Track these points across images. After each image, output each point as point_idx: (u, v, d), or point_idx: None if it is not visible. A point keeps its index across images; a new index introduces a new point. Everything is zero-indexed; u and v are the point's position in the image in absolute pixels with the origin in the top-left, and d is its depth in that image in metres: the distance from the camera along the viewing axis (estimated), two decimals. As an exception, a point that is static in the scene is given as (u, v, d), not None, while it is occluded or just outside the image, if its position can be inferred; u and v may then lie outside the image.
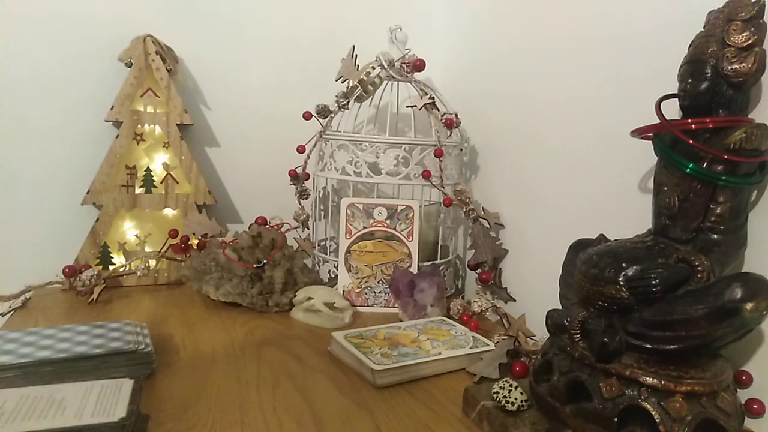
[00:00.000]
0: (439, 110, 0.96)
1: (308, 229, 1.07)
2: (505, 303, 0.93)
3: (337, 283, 0.94)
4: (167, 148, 1.01)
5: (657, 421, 0.46)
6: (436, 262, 0.99)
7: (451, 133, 0.97)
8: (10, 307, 0.85)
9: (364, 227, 0.93)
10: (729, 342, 0.48)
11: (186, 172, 1.02)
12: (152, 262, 0.97)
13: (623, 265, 0.51)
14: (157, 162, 1.01)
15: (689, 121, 0.53)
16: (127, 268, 0.97)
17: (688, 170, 0.52)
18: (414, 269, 0.93)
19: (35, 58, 0.96)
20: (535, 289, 0.89)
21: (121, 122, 0.97)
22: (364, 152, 0.93)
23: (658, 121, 0.55)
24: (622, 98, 0.71)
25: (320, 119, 0.99)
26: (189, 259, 0.96)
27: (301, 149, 1.01)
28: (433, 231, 1.04)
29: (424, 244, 1.00)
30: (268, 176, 1.13)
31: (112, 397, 0.52)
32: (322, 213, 1.08)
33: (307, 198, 1.06)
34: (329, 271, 1.00)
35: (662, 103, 0.56)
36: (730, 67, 0.50)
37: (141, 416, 0.52)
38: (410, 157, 0.93)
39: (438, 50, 1.19)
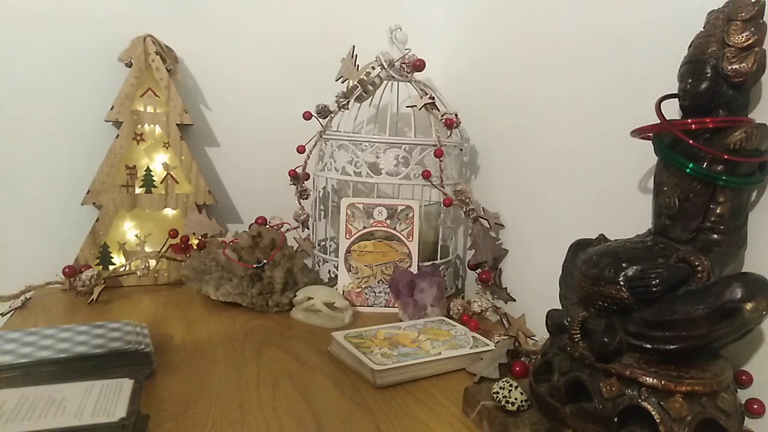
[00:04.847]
0: (439, 110, 0.96)
1: (308, 229, 1.07)
2: (505, 303, 0.93)
3: (337, 283, 0.94)
4: (167, 148, 1.01)
5: (657, 421, 0.46)
6: (436, 262, 0.99)
7: (451, 133, 0.97)
8: (10, 307, 0.85)
9: (364, 227, 0.93)
10: (729, 342, 0.48)
11: (186, 172, 1.02)
12: (152, 262, 0.97)
13: (623, 265, 0.51)
14: (157, 162, 1.01)
15: (689, 121, 0.53)
16: (127, 268, 0.97)
17: (688, 170, 0.52)
18: (414, 269, 0.93)
19: (35, 57, 0.97)
20: (535, 289, 0.89)
21: (121, 122, 0.97)
22: (364, 152, 0.93)
23: (658, 121, 0.55)
24: (622, 98, 0.71)
25: (320, 119, 0.99)
26: (189, 259, 0.96)
27: (301, 149, 1.01)
28: (433, 231, 1.04)
29: (424, 244, 1.00)
30: (268, 176, 1.13)
31: (112, 397, 0.52)
32: (322, 213, 1.08)
33: (307, 198, 1.06)
34: (329, 271, 1.00)
35: (662, 103, 0.56)
36: (730, 67, 0.50)
37: (141, 416, 0.52)
38: (410, 157, 0.93)
39: (438, 50, 1.20)
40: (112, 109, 0.96)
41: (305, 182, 1.05)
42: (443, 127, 0.95)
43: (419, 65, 0.97)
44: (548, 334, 0.57)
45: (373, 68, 0.96)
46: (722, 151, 0.50)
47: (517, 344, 0.73)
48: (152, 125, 1.00)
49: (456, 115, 0.95)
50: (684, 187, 0.53)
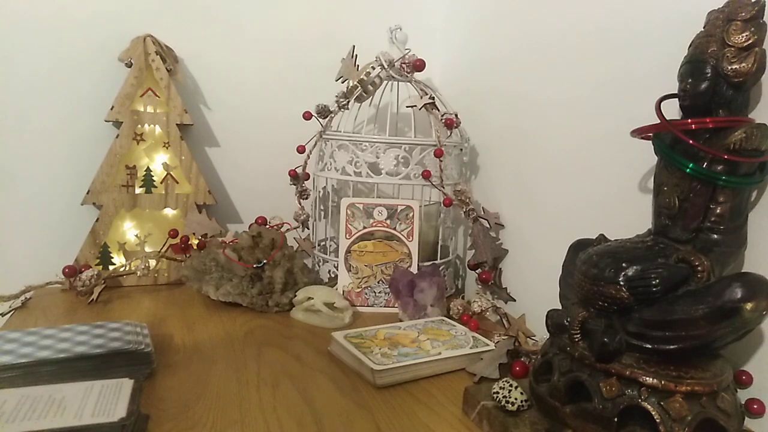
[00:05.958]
0: (439, 110, 0.96)
1: (308, 229, 1.07)
2: (505, 303, 0.93)
3: (337, 283, 0.94)
4: (167, 148, 1.01)
5: (657, 421, 0.46)
6: (436, 262, 0.99)
7: (451, 133, 0.97)
8: (10, 307, 0.85)
9: (364, 227, 0.93)
10: (729, 342, 0.48)
11: (186, 172, 1.02)
12: (152, 262, 0.97)
13: (623, 265, 0.51)
14: (157, 162, 1.01)
15: (689, 121, 0.53)
16: (127, 268, 0.97)
17: (688, 170, 0.52)
18: (414, 269, 0.93)
19: (35, 58, 0.96)
20: (535, 289, 0.89)
21: (121, 122, 0.97)
22: (364, 152, 0.93)
23: (658, 121, 0.55)
24: (622, 98, 0.71)
25: (320, 119, 0.99)
26: (189, 259, 0.96)
27: (301, 149, 1.01)
28: (433, 231, 1.04)
29: (424, 244, 1.00)
30: (268, 176, 1.13)
31: (112, 397, 0.52)
32: (322, 213, 1.08)
33: (307, 198, 1.06)
34: (329, 271, 1.00)
35: (662, 103, 0.56)
36: (730, 67, 0.50)
37: (141, 416, 0.53)
38: (410, 157, 0.93)
39: (438, 50, 1.20)
40: (112, 109, 0.96)
41: (305, 182, 1.05)
42: (443, 127, 0.95)
43: (419, 65, 0.97)
44: (548, 334, 0.57)
45: (373, 68, 0.96)
46: (722, 151, 0.50)
47: (517, 344, 0.73)
48: (152, 125, 1.00)
49: (456, 115, 0.95)
50: (684, 187, 0.53)
